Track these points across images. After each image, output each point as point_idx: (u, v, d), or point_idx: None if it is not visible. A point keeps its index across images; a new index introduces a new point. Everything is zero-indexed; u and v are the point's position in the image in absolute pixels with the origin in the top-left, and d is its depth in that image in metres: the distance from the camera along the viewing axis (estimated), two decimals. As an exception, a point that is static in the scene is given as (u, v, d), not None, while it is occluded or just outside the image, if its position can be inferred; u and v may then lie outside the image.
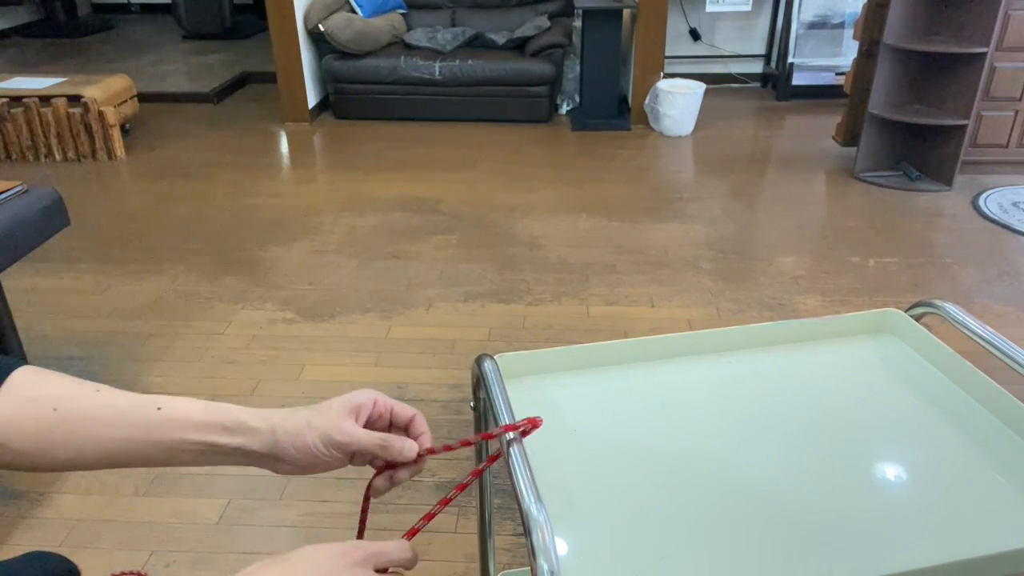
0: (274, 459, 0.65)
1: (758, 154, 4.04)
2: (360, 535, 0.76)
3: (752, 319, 2.49)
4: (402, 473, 0.71)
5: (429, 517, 0.71)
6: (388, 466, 0.71)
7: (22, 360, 0.63)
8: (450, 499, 0.71)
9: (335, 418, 0.67)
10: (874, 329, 1.02)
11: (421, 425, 0.72)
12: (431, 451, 0.71)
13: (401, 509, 1.72)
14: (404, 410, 0.72)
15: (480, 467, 0.74)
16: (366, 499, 0.74)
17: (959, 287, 2.68)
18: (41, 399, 0.60)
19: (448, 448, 0.72)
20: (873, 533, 0.71)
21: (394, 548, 0.62)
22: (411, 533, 0.68)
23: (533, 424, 0.71)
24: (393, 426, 0.72)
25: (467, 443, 0.73)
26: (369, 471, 0.72)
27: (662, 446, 0.83)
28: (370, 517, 0.76)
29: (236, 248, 3.00)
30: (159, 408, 0.62)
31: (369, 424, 0.70)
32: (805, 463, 0.80)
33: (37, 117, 3.81)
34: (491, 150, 4.10)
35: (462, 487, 0.71)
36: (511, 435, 0.71)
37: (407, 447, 0.69)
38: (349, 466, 0.70)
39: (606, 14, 4.15)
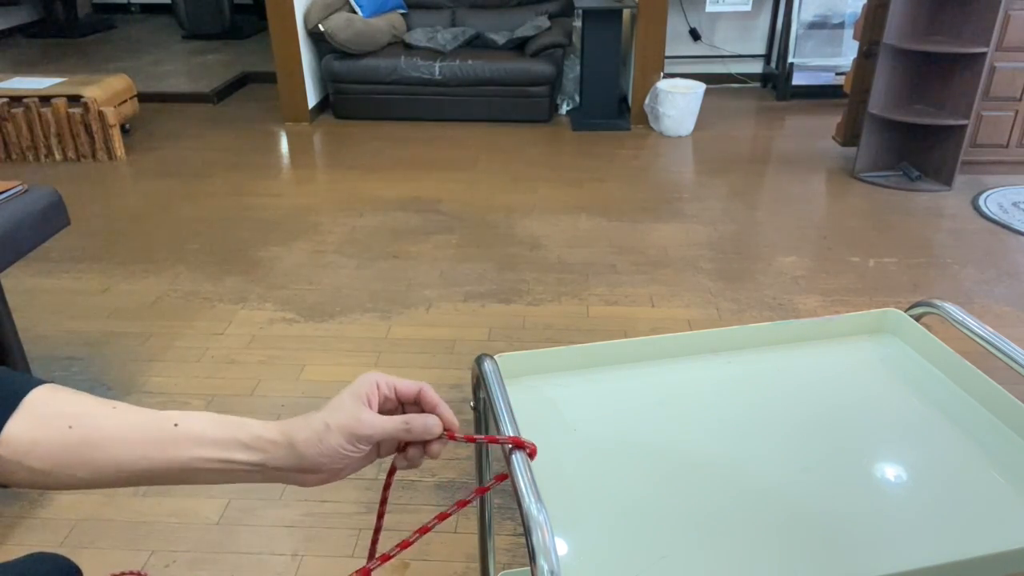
0: (299, 471, 0.64)
1: (758, 154, 4.04)
2: (376, 534, 0.75)
3: (752, 319, 2.49)
4: (435, 446, 0.69)
5: (424, 531, 0.70)
6: (408, 445, 0.69)
7: (40, 378, 0.63)
8: (449, 515, 0.71)
9: (352, 411, 0.65)
10: (874, 329, 1.02)
11: (432, 397, 0.70)
12: (452, 436, 0.69)
13: (400, 509, 1.71)
14: (408, 386, 0.70)
15: (487, 485, 0.74)
16: (387, 487, 0.73)
17: (959, 287, 2.68)
18: (58, 417, 0.60)
19: (469, 439, 0.71)
20: (873, 533, 0.71)
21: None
22: (402, 546, 0.68)
23: (531, 452, 0.71)
24: (403, 404, 0.71)
25: (471, 439, 0.72)
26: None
27: (662, 446, 0.83)
28: (368, 518, 0.76)
29: (236, 248, 3.00)
30: (176, 424, 0.62)
31: (380, 410, 0.68)
32: (805, 463, 0.80)
33: (37, 117, 3.80)
34: (491, 150, 4.10)
35: (462, 504, 0.70)
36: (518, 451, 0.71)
37: (431, 423, 0.67)
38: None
39: (606, 14, 4.15)
